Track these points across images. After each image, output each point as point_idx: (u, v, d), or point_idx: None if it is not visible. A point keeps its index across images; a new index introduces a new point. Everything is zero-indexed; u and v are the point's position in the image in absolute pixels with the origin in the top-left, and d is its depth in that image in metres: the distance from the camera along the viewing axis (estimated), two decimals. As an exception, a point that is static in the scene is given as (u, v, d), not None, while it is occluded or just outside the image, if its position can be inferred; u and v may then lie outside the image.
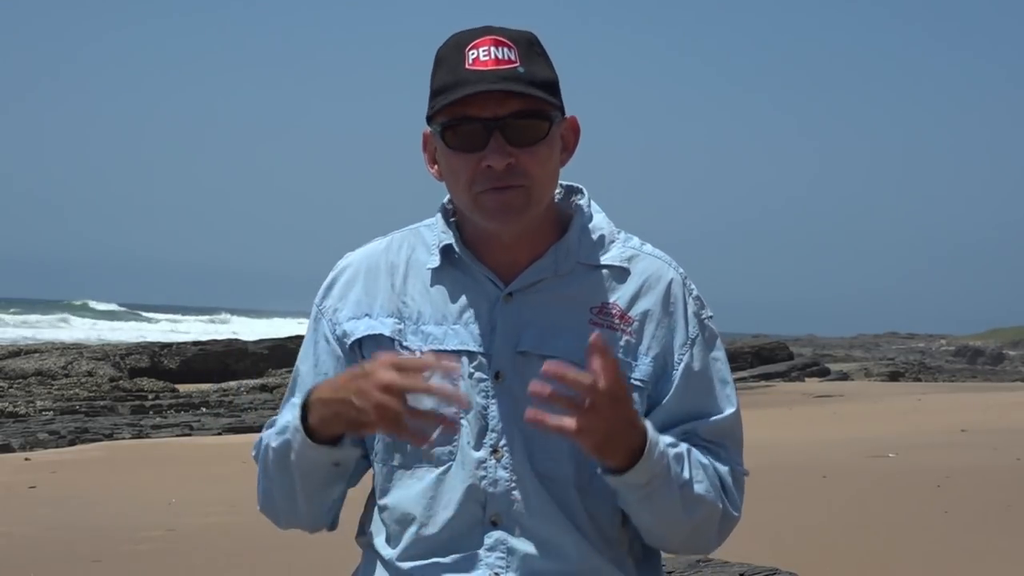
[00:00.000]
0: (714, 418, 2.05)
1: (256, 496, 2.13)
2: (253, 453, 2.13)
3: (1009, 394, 20.35)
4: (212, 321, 59.64)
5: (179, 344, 23.94)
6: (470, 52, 1.96)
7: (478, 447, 2.00)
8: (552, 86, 1.99)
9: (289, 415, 2.00)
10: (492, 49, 1.95)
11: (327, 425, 1.95)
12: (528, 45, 1.99)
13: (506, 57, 1.95)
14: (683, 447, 1.98)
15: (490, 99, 1.94)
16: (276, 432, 2.03)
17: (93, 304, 65.49)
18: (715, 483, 2.01)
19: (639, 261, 2.09)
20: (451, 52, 1.98)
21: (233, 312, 70.57)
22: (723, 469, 2.04)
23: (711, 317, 2.11)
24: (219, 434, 13.34)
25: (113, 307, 65.24)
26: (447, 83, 1.96)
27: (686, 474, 1.96)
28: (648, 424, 1.92)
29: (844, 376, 28.81)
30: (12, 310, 55.12)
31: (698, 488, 1.97)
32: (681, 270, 2.12)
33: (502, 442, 2.00)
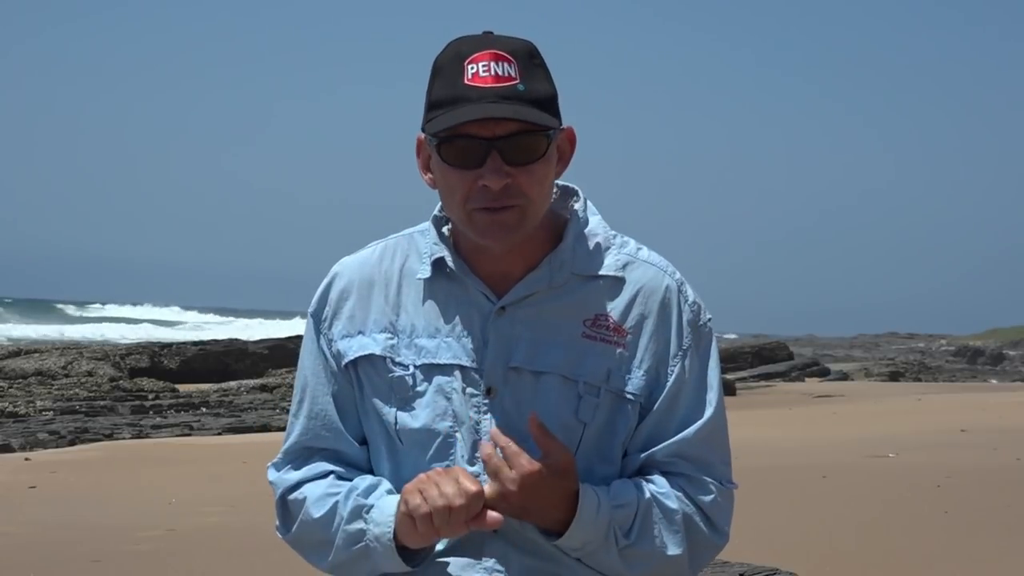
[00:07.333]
0: (695, 426, 2.02)
1: (267, 505, 2.12)
2: (275, 498, 2.14)
3: (1009, 394, 20.34)
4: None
5: (179, 344, 23.90)
6: (469, 66, 1.92)
7: (472, 462, 2.00)
8: (551, 101, 1.97)
9: (362, 525, 1.98)
10: (492, 64, 1.92)
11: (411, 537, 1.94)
12: (528, 57, 1.96)
13: (506, 73, 1.92)
14: (634, 504, 1.95)
15: (489, 118, 1.91)
16: (345, 539, 2.00)
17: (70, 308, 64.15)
18: (685, 528, 1.98)
19: (634, 269, 2.06)
20: (450, 63, 1.95)
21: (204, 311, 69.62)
22: (706, 500, 2.01)
23: (709, 320, 2.09)
24: (219, 434, 13.33)
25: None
26: (445, 97, 1.93)
27: (631, 537, 1.94)
28: (585, 492, 1.91)
29: (844, 376, 28.81)
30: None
31: (651, 545, 1.96)
32: (677, 275, 2.09)
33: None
